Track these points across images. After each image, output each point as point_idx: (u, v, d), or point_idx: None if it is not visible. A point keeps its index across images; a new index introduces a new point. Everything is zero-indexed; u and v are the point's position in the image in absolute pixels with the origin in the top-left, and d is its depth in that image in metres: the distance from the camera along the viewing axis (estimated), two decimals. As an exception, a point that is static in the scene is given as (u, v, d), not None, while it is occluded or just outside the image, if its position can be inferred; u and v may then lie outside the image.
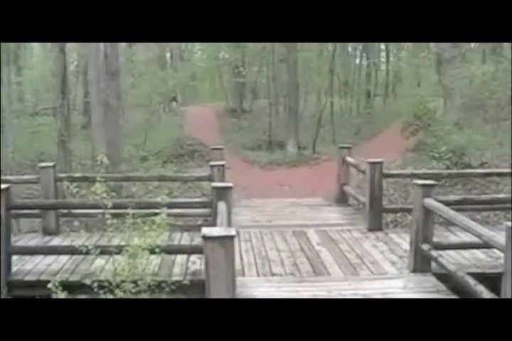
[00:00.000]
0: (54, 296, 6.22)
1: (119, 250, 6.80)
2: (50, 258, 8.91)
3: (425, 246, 8.01)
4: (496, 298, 6.10)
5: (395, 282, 7.91)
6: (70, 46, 21.30)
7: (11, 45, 23.27)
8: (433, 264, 7.99)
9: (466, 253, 8.86)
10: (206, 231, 5.90)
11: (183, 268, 8.56)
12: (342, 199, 12.99)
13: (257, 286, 7.73)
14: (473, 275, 7.04)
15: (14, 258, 8.53)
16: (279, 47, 27.13)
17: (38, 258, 8.91)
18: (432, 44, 37.28)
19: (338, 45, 32.21)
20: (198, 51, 47.71)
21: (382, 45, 40.61)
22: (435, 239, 8.33)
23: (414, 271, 8.16)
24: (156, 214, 6.83)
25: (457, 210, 7.49)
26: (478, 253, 8.88)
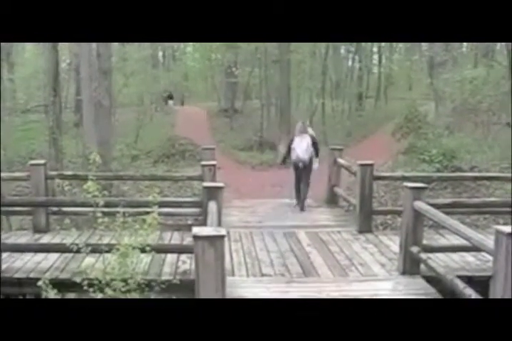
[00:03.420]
0: (44, 294, 6.21)
1: (109, 248, 6.79)
2: (40, 256, 8.88)
3: (415, 249, 8.03)
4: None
5: (384, 284, 7.94)
6: (63, 44, 21.23)
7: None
8: (422, 266, 8.01)
9: (455, 256, 8.89)
10: (197, 230, 5.90)
11: (173, 267, 8.55)
12: (332, 200, 13.01)
13: (247, 286, 7.74)
14: (462, 278, 7.07)
15: (4, 255, 8.49)
16: (271, 48, 27.16)
17: (27, 256, 8.87)
18: (424, 47, 37.48)
19: (331, 47, 32.30)
20: (190, 51, 47.71)
21: (375, 48, 40.77)
22: (425, 242, 8.37)
23: (404, 273, 8.18)
24: (147, 213, 6.82)
25: (447, 213, 7.52)
26: (468, 256, 8.90)
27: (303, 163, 12.23)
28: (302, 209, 12.38)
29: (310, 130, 13.02)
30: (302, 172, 12.33)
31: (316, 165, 12.51)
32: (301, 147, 12.15)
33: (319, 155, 12.57)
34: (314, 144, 12.42)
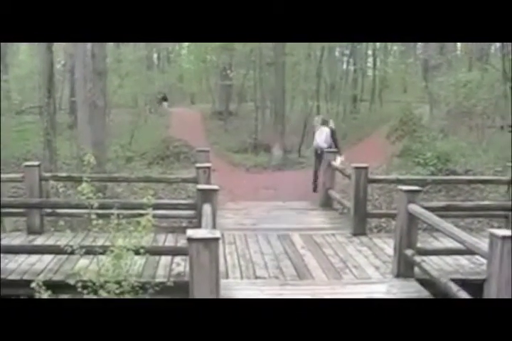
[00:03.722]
0: (37, 296, 6.19)
1: (103, 250, 6.77)
2: (34, 258, 8.84)
3: (409, 252, 8.04)
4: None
5: (378, 287, 7.94)
6: (57, 45, 21.17)
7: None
8: (416, 269, 8.01)
9: (449, 259, 8.90)
10: (191, 233, 5.89)
11: (167, 269, 8.54)
12: (327, 203, 13.00)
13: (241, 289, 7.72)
14: (456, 281, 7.07)
15: (-2, 256, 8.47)
16: (266, 50, 27.17)
17: (21, 258, 8.84)
18: (419, 51, 37.55)
19: (326, 49, 32.32)
20: (185, 53, 47.71)
21: (370, 51, 40.85)
22: (419, 245, 8.37)
23: (398, 276, 8.19)
24: (141, 215, 6.81)
25: (441, 216, 7.53)
26: (462, 260, 8.91)
27: (321, 149, 15.07)
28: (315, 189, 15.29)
29: (331, 122, 16.41)
30: (321, 156, 14.60)
31: (338, 160, 14.12)
32: (321, 137, 15.51)
33: (340, 147, 15.41)
34: (333, 135, 15.61)
